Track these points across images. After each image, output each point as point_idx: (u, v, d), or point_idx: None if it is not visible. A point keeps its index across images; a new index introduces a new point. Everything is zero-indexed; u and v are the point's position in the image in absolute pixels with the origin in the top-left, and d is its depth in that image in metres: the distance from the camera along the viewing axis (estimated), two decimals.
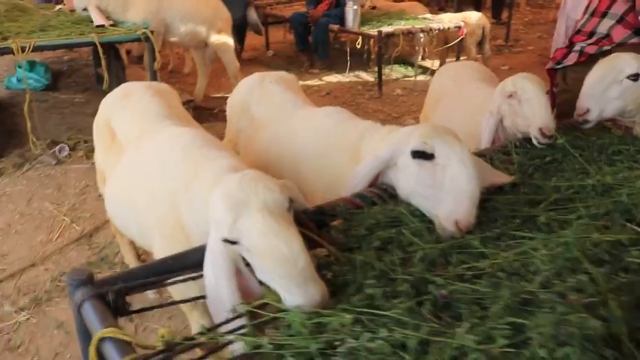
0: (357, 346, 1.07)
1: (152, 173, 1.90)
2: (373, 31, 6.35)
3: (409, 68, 7.47)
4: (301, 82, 6.96)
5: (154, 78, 4.70)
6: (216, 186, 1.45)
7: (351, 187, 1.82)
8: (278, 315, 1.23)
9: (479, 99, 2.70)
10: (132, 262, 3.07)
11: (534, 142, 2.20)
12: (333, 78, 7.17)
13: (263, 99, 2.61)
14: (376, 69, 6.61)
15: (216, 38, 5.52)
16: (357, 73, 7.31)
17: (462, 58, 6.81)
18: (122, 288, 1.30)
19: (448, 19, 6.68)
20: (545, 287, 1.23)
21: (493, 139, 2.41)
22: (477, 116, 2.60)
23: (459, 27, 6.44)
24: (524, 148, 2.23)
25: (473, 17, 6.74)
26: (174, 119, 2.16)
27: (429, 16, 7.12)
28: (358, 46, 6.86)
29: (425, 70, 7.36)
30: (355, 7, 6.53)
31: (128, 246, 3.02)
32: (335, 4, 6.93)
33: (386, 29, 6.30)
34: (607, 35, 2.88)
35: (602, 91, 2.33)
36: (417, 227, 1.59)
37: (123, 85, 2.48)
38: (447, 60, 6.94)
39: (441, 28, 6.47)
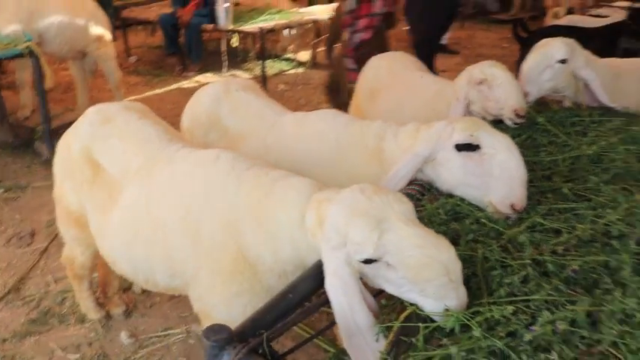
0: (542, 331, 1.17)
1: (189, 205, 1.75)
2: (251, 28, 6.33)
3: (285, 63, 7.54)
4: (175, 86, 6.78)
5: (43, 100, 4.26)
6: (308, 208, 1.44)
7: (390, 187, 1.88)
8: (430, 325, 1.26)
9: (433, 87, 2.87)
10: (91, 310, 2.80)
11: (508, 123, 2.41)
12: (210, 79, 7.03)
13: (236, 109, 2.54)
14: (252, 66, 6.60)
15: (95, 47, 5.10)
16: (233, 72, 7.24)
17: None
18: (269, 335, 1.24)
19: (319, 11, 6.85)
20: None
21: None
22: (433, 104, 2.78)
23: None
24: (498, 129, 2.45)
25: None
26: (180, 141, 2.03)
27: (300, 9, 7.24)
28: (233, 45, 6.79)
29: (301, 64, 7.48)
30: (227, 4, 6.45)
31: (87, 292, 2.76)
32: (204, 3, 6.76)
33: (266, 25, 6.32)
34: None
35: (538, 75, 2.64)
36: (480, 215, 1.71)
37: (95, 109, 2.21)
38: (318, 51, 7.12)
39: (316, 19, 6.62)
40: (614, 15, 5.81)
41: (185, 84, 6.79)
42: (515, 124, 2.40)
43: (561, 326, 1.17)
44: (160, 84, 6.80)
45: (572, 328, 1.19)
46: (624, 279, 1.32)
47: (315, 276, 1.41)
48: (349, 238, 1.30)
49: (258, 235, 1.61)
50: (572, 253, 1.47)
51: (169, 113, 5.27)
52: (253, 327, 1.27)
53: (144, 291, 3.02)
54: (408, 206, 1.33)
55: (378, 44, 4.40)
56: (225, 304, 1.68)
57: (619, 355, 1.13)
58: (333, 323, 1.37)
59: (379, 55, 3.45)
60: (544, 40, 2.76)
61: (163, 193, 1.85)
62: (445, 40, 8.07)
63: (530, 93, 2.63)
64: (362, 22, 4.27)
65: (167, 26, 6.94)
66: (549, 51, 2.66)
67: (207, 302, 1.75)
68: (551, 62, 2.64)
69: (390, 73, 3.22)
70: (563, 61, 2.63)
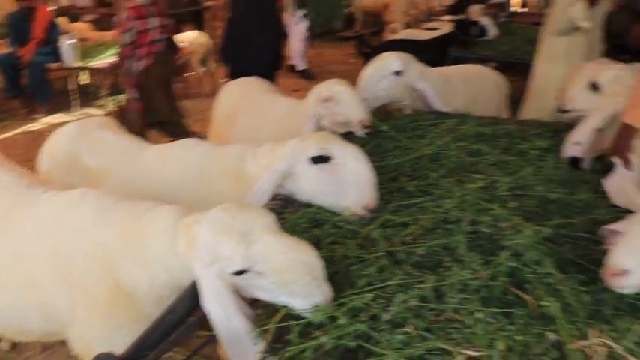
0: (397, 310, 1.35)
1: (59, 247, 1.71)
2: (101, 63, 6.18)
3: None
4: (23, 130, 6.42)
5: None
6: (178, 232, 1.52)
7: (255, 203, 2.00)
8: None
9: (285, 108, 3.04)
10: None
11: (356, 133, 2.64)
12: (61, 119, 6.71)
13: (95, 147, 2.53)
14: (105, 102, 6.44)
15: None
16: (86, 110, 6.98)
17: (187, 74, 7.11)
18: (154, 356, 1.31)
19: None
20: (473, 224, 1.69)
21: None
22: (286, 122, 2.95)
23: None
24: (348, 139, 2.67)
25: (192, 37, 7.04)
26: (40, 186, 2.00)
27: None
28: (83, 82, 6.58)
29: None
30: (71, 41, 6.26)
31: None
32: (46, 41, 6.47)
33: (117, 59, 6.18)
34: None
35: (374, 85, 2.93)
36: (338, 219, 1.89)
37: None
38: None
39: None
40: (444, 27, 6.42)
41: (33, 127, 6.44)
42: (363, 133, 2.62)
43: (413, 303, 1.37)
44: (5, 129, 6.40)
45: (422, 303, 1.39)
46: (461, 256, 1.55)
47: (191, 295, 1.49)
48: (219, 254, 1.41)
49: (132, 265, 1.65)
50: (419, 241, 1.69)
51: (21, 159, 4.97)
52: (138, 349, 1.33)
53: (14, 346, 2.87)
54: (269, 218, 1.46)
55: (160, 71, 4.52)
56: (107, 337, 1.69)
57: (460, 318, 1.34)
58: (206, 342, 1.47)
59: (233, 81, 3.58)
60: (383, 54, 3.05)
61: (30, 238, 1.81)
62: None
63: (367, 100, 2.88)
64: (142, 51, 4.35)
65: (6, 67, 6.52)
66: (385, 63, 2.95)
67: (88, 339, 1.75)
68: (386, 73, 2.94)
69: (245, 97, 3.35)
70: (398, 73, 2.93)
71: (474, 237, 1.65)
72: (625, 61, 2.94)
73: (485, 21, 5.68)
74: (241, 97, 3.37)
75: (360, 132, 2.62)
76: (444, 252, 1.60)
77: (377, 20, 13.97)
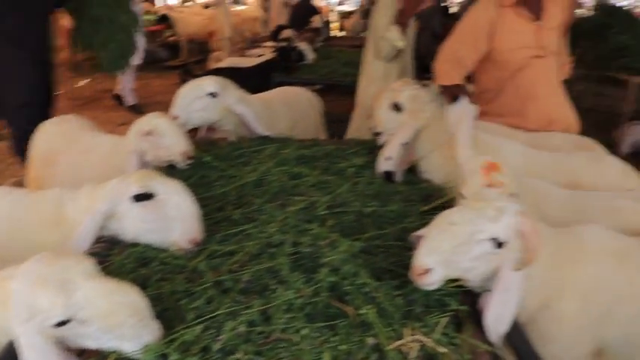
0: (227, 338, 1.39)
1: None
2: None
3: None
4: None
5: None
6: None
7: (78, 248, 1.92)
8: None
9: (107, 145, 2.95)
10: None
11: (180, 165, 2.63)
12: None
13: None
14: None
15: None
16: None
17: None
18: None
19: None
20: (294, 245, 1.79)
21: None
22: (110, 160, 2.87)
23: None
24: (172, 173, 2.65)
25: None
26: None
27: None
28: None
29: None
30: None
31: None
32: None
33: None
34: None
35: (188, 104, 2.97)
36: (164, 256, 1.88)
37: None
38: None
39: None
40: (268, 54, 6.62)
41: None
42: (186, 165, 2.63)
43: (242, 329, 1.41)
44: None
45: (251, 328, 1.44)
46: (284, 277, 1.63)
47: (10, 357, 1.40)
48: (37, 307, 1.34)
49: None
50: (245, 267, 1.74)
51: None
52: None
53: None
54: (89, 264, 1.43)
55: None
56: None
57: (288, 337, 1.41)
58: None
59: (48, 121, 3.38)
60: (200, 78, 3.08)
61: None
62: (133, 100, 8.24)
63: (179, 117, 2.93)
64: None
65: None
66: (200, 85, 3.00)
67: None
68: (201, 94, 2.98)
69: (63, 136, 3.17)
70: (213, 95, 2.99)
71: (295, 257, 1.74)
72: (429, 79, 3.31)
73: (303, 46, 5.97)
74: (59, 137, 3.18)
75: (183, 164, 2.62)
76: (268, 275, 1.67)
77: (202, 48, 14.02)
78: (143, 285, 1.66)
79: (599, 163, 2.63)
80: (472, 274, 1.58)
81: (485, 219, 1.52)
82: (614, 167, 2.63)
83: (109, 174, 2.79)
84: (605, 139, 6.99)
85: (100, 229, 1.98)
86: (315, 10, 10.07)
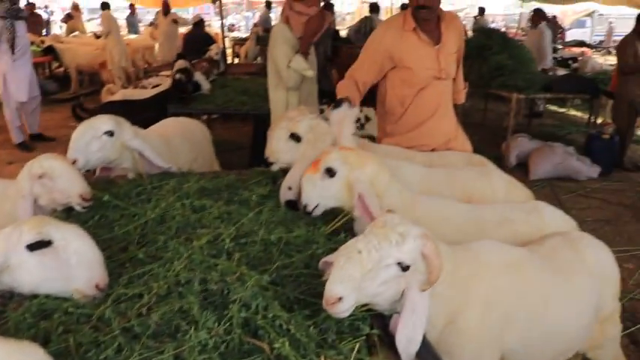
0: None
1: None
2: None
3: None
4: None
5: None
6: None
7: None
8: None
9: None
10: None
11: (78, 208, 2.54)
12: None
13: None
14: None
15: None
16: None
17: None
18: None
19: None
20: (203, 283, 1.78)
21: None
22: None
23: None
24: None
25: None
26: None
27: None
28: None
29: None
30: None
31: None
32: None
33: None
34: None
35: (85, 146, 2.87)
36: (67, 305, 1.80)
37: None
38: None
39: None
40: (165, 84, 6.53)
41: None
42: (84, 207, 2.54)
43: None
44: None
45: None
46: (195, 317, 1.62)
47: None
48: None
49: None
50: (154, 310, 1.70)
51: None
52: None
53: None
54: None
55: None
56: None
57: None
58: None
59: None
60: (92, 117, 2.98)
61: None
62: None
63: (78, 161, 2.82)
64: None
65: None
66: (95, 124, 2.91)
67: None
68: (98, 134, 2.89)
69: None
70: (109, 134, 2.91)
71: (205, 295, 1.73)
72: (327, 104, 3.43)
73: (198, 76, 5.95)
74: None
75: (80, 207, 2.53)
76: (179, 316, 1.65)
77: (93, 79, 13.57)
78: (45, 340, 1.59)
79: (487, 178, 2.83)
80: (381, 299, 1.64)
81: (389, 244, 1.59)
82: (501, 181, 2.84)
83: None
84: (494, 152, 7.52)
85: None
86: (209, 39, 10.07)
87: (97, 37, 10.60)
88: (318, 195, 2.28)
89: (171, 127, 3.79)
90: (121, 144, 2.95)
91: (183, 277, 1.82)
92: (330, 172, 2.25)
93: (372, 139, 3.65)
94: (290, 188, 2.54)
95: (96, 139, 2.89)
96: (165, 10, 12.47)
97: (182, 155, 3.44)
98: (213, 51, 8.19)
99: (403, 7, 13.21)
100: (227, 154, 6.75)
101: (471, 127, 9.88)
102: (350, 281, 1.56)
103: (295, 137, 2.68)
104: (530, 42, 10.08)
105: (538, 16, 10.60)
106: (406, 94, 3.42)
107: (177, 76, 5.82)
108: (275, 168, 2.74)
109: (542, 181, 6.74)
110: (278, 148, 2.71)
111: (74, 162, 2.78)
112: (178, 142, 3.54)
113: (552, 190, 6.44)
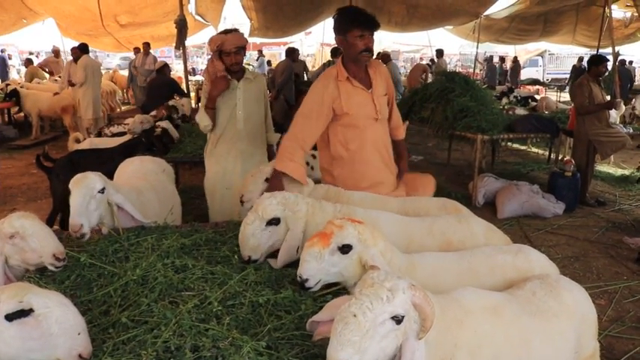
0: None
1: None
2: None
3: None
4: None
5: None
6: None
7: None
8: None
9: None
10: None
11: (51, 268, 2.45)
12: None
13: None
14: None
15: None
16: None
17: None
18: None
19: None
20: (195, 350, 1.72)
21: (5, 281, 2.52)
22: None
23: None
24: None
25: None
26: None
27: None
28: None
29: None
30: None
31: None
32: None
33: None
34: None
35: (86, 208, 2.81)
36: None
37: None
38: None
39: None
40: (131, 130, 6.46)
41: None
42: (57, 267, 2.45)
43: None
44: None
45: None
46: None
47: None
48: None
49: None
50: None
51: None
52: None
53: None
54: None
55: None
56: None
57: None
58: None
59: None
60: (80, 176, 2.89)
61: None
62: None
63: (83, 226, 2.76)
64: None
65: None
66: (89, 184, 2.85)
67: None
68: (94, 193, 2.85)
69: None
70: (102, 191, 2.88)
71: None
72: None
73: (167, 125, 5.92)
74: None
75: (53, 267, 2.44)
76: None
77: (53, 124, 13.36)
78: None
79: (466, 224, 2.87)
80: (382, 355, 1.63)
81: (381, 302, 1.60)
82: (480, 227, 2.88)
83: None
84: (461, 191, 7.66)
85: None
86: (175, 85, 10.05)
87: (72, 84, 10.30)
88: (324, 271, 2.17)
89: (137, 174, 3.74)
90: (105, 200, 2.91)
91: (172, 343, 1.77)
92: (345, 249, 2.15)
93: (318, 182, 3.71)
94: (288, 267, 2.49)
95: (92, 198, 2.84)
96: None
97: (152, 206, 3.38)
98: (184, 106, 8.28)
99: (333, 52, 13.52)
100: (197, 200, 6.70)
101: (437, 167, 10.21)
102: (351, 346, 1.54)
103: (274, 222, 2.58)
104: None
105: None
106: (349, 138, 3.59)
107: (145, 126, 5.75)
108: (260, 262, 2.60)
109: (510, 219, 6.86)
110: (259, 242, 2.56)
111: (80, 227, 2.73)
112: (148, 194, 3.49)
113: (521, 228, 6.56)
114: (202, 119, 4.24)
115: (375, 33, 3.44)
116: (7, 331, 1.75)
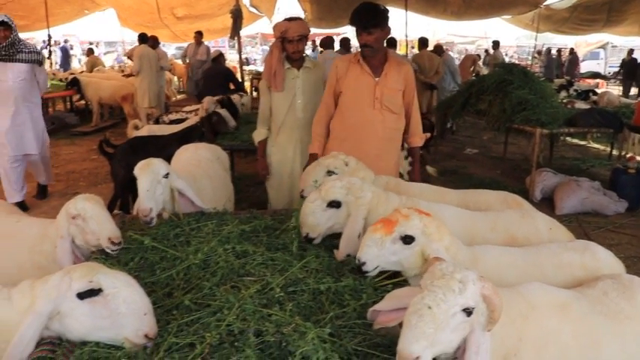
0: None
1: None
2: None
3: None
4: None
5: None
6: None
7: (16, 356, 1.76)
8: None
9: (35, 230, 2.77)
10: None
11: (107, 251, 2.51)
12: None
13: None
14: None
15: None
16: None
17: None
18: None
19: None
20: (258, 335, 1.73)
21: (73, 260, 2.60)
22: (38, 247, 2.70)
23: None
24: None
25: None
26: None
27: None
28: None
29: None
30: None
31: None
32: None
33: None
34: None
35: (154, 193, 2.87)
36: (119, 355, 1.76)
37: None
38: None
39: None
40: (192, 119, 6.58)
41: None
42: (113, 251, 2.52)
43: None
44: None
45: None
46: None
47: None
48: None
49: None
50: None
51: None
52: None
53: None
54: None
55: None
56: None
57: None
58: None
59: None
60: (145, 162, 2.97)
61: None
62: None
63: (152, 209, 2.83)
64: None
65: None
66: (155, 169, 2.92)
67: None
68: (159, 178, 2.92)
69: None
70: (166, 176, 2.95)
71: (262, 347, 1.69)
72: None
73: (224, 112, 5.99)
74: None
75: (109, 250, 2.51)
76: None
77: (113, 112, 13.75)
78: None
79: (531, 220, 2.79)
80: (450, 347, 1.62)
81: (453, 293, 1.58)
82: (544, 223, 2.80)
83: (37, 261, 2.67)
84: (517, 186, 7.47)
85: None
86: (230, 74, 10.15)
87: (127, 76, 10.43)
88: (384, 258, 2.15)
89: (191, 160, 3.79)
90: (169, 186, 2.97)
91: (236, 327, 1.79)
92: (407, 240, 2.12)
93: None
94: (349, 255, 2.45)
95: (158, 183, 2.91)
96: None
97: (207, 193, 3.43)
98: (245, 105, 8.35)
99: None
100: (252, 188, 6.77)
101: (492, 161, 9.99)
102: (425, 338, 1.53)
103: (335, 204, 2.57)
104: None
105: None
106: (346, 118, 3.81)
107: (204, 113, 5.83)
108: (318, 241, 2.60)
109: (569, 216, 6.65)
110: (318, 222, 2.57)
111: (150, 211, 2.81)
112: (203, 181, 3.54)
113: (580, 225, 6.35)
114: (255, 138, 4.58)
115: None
116: (78, 308, 1.82)
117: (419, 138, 3.99)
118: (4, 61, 5.94)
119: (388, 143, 3.86)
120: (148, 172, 2.87)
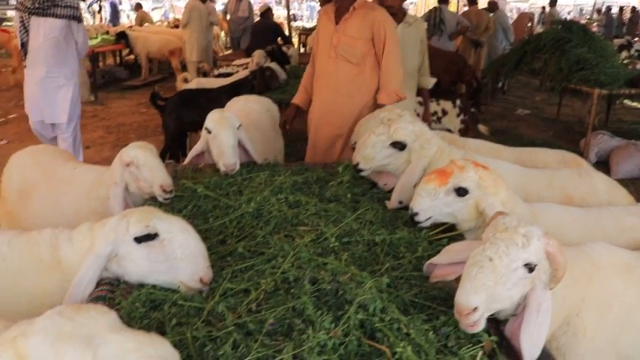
0: None
1: None
2: None
3: None
4: None
5: None
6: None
7: (78, 295, 1.81)
8: None
9: (90, 176, 2.83)
10: None
11: (160, 199, 2.53)
12: None
13: None
14: None
15: None
16: None
17: None
18: None
19: None
20: (314, 282, 1.73)
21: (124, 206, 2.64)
22: (94, 192, 2.76)
23: None
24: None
25: None
26: None
27: None
28: None
29: None
30: None
31: None
32: None
33: None
34: None
35: (234, 143, 2.86)
36: (176, 297, 1.78)
37: None
38: None
39: None
40: (240, 73, 6.54)
41: None
42: (165, 199, 2.54)
43: None
44: None
45: None
46: (310, 317, 1.57)
47: None
48: None
49: None
50: (264, 306, 1.67)
51: None
52: None
53: None
54: (112, 315, 1.33)
55: None
56: None
57: None
58: None
59: (20, 152, 3.21)
60: (219, 115, 2.93)
61: None
62: None
63: (236, 163, 2.84)
64: None
65: None
66: (232, 122, 2.91)
67: None
68: (236, 131, 2.90)
69: (38, 168, 3.02)
70: (239, 127, 2.94)
71: (318, 295, 1.68)
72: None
73: (275, 66, 5.93)
74: (34, 169, 3.03)
75: (161, 198, 2.53)
76: (292, 315, 1.61)
77: (161, 67, 13.84)
78: (160, 331, 1.58)
79: (589, 180, 2.68)
80: (509, 302, 1.57)
81: (516, 247, 1.52)
82: (603, 183, 2.69)
83: (93, 206, 2.72)
84: (571, 149, 7.21)
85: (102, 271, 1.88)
86: (278, 29, 10.03)
87: (175, 26, 10.35)
88: (437, 209, 2.10)
89: (241, 112, 3.75)
90: None
91: (291, 274, 1.78)
92: (461, 192, 2.06)
93: (448, 132, 3.56)
94: (401, 202, 2.43)
95: (233, 136, 2.89)
96: None
97: (257, 145, 3.40)
98: (292, 57, 8.14)
99: None
100: (299, 144, 6.74)
101: (545, 122, 9.69)
102: (484, 291, 1.49)
103: (399, 145, 2.52)
104: None
105: None
106: (315, 68, 3.81)
107: (254, 67, 5.77)
108: (366, 174, 2.61)
109: (625, 181, 6.41)
110: (374, 155, 2.54)
111: (233, 165, 2.82)
112: (253, 133, 3.51)
113: (637, 191, 6.12)
114: None
115: None
116: (136, 252, 1.84)
117: (384, 94, 3.57)
118: (38, 15, 5.08)
119: (345, 98, 3.62)
120: (228, 127, 2.86)
